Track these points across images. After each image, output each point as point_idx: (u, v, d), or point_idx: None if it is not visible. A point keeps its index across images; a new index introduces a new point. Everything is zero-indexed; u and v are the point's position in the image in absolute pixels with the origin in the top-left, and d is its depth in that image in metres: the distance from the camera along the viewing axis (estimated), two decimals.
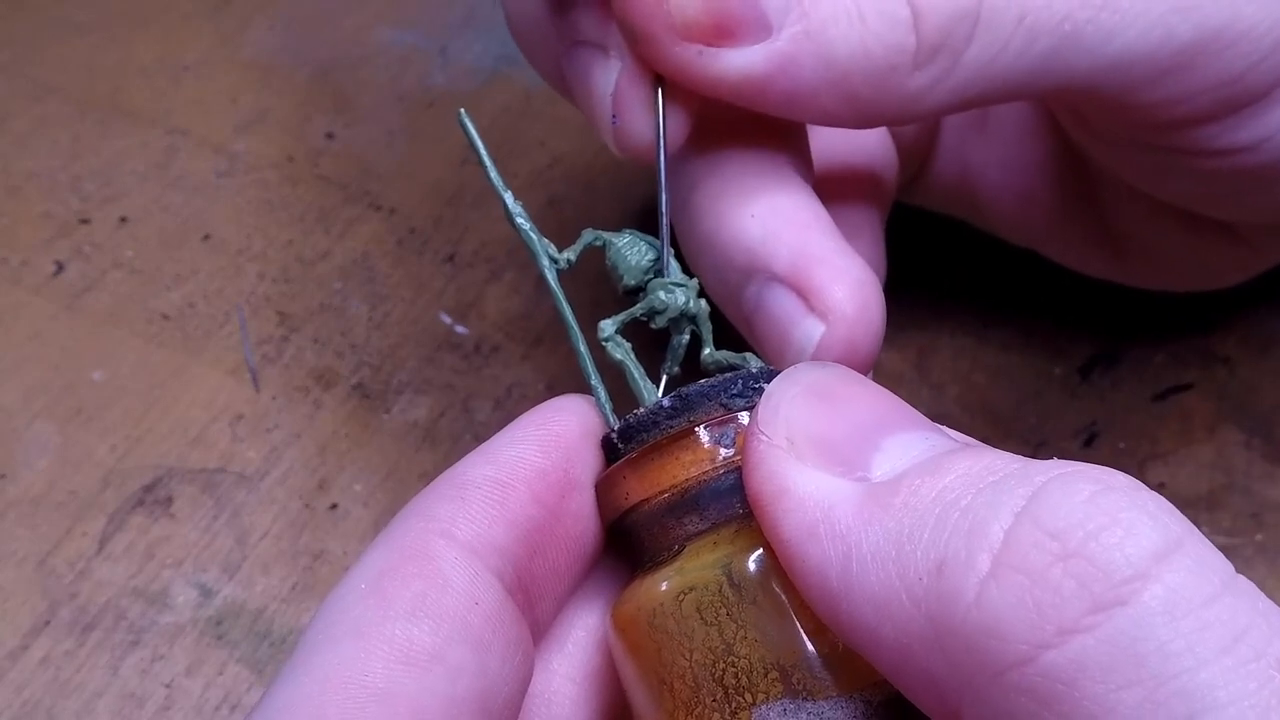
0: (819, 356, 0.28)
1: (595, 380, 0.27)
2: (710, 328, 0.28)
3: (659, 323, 0.28)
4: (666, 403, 0.25)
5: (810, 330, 0.28)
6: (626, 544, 0.27)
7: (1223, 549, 0.39)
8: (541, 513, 0.25)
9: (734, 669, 0.24)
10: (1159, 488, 0.39)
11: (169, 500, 0.39)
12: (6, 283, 0.46)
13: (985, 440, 0.40)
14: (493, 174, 0.28)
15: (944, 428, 0.23)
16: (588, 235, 0.28)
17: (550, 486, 0.25)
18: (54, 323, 0.44)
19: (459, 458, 0.26)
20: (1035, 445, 0.41)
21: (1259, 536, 0.38)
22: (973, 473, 0.19)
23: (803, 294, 0.28)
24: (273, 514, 0.39)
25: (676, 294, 0.27)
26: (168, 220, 0.48)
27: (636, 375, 0.27)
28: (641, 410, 0.25)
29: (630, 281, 0.28)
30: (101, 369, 0.43)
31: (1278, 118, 0.31)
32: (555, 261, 0.27)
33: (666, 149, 0.29)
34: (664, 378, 0.28)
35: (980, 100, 0.29)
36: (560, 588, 0.26)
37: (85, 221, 0.48)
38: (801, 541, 0.21)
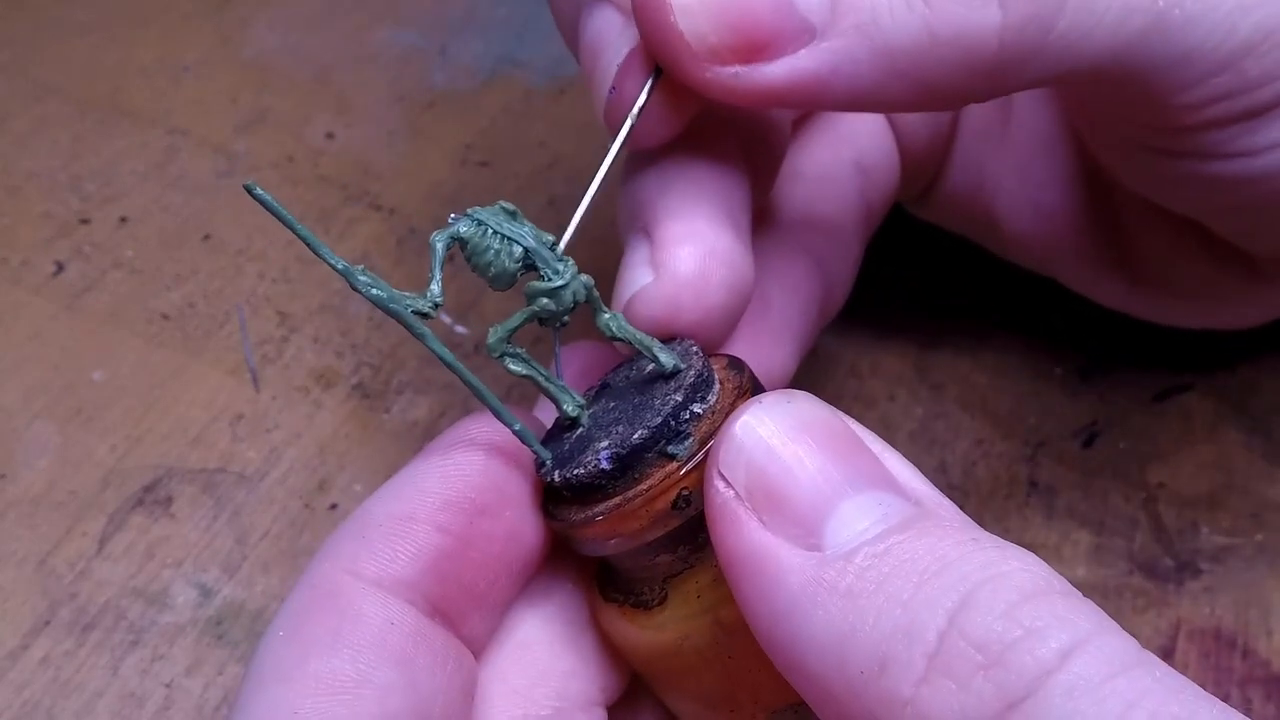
0: (636, 305, 0.27)
1: (518, 425, 0.25)
2: (598, 295, 0.26)
3: (554, 324, 0.26)
4: (606, 465, 0.24)
5: (639, 277, 0.28)
6: (601, 563, 0.27)
7: (1222, 549, 0.39)
8: (449, 540, 0.25)
9: (741, 689, 0.24)
10: (1159, 488, 0.39)
11: (169, 500, 0.39)
12: (6, 283, 0.45)
13: (985, 441, 0.40)
14: (316, 243, 0.24)
15: (899, 469, 0.23)
16: (439, 242, 0.25)
17: (456, 515, 0.25)
18: (54, 323, 0.44)
19: None
20: (1035, 445, 0.41)
21: (1259, 536, 0.38)
22: (916, 563, 0.21)
23: (652, 245, 0.28)
24: (273, 514, 0.39)
25: (563, 296, 0.25)
26: (168, 220, 0.48)
27: (544, 384, 0.26)
28: (582, 471, 0.25)
29: (501, 286, 0.26)
30: (101, 369, 0.43)
31: None
32: (424, 314, 0.25)
33: (640, 138, 0.27)
34: (556, 350, 0.27)
35: (1056, 82, 0.28)
36: (487, 603, 0.26)
37: (85, 221, 0.48)
38: (754, 603, 0.22)
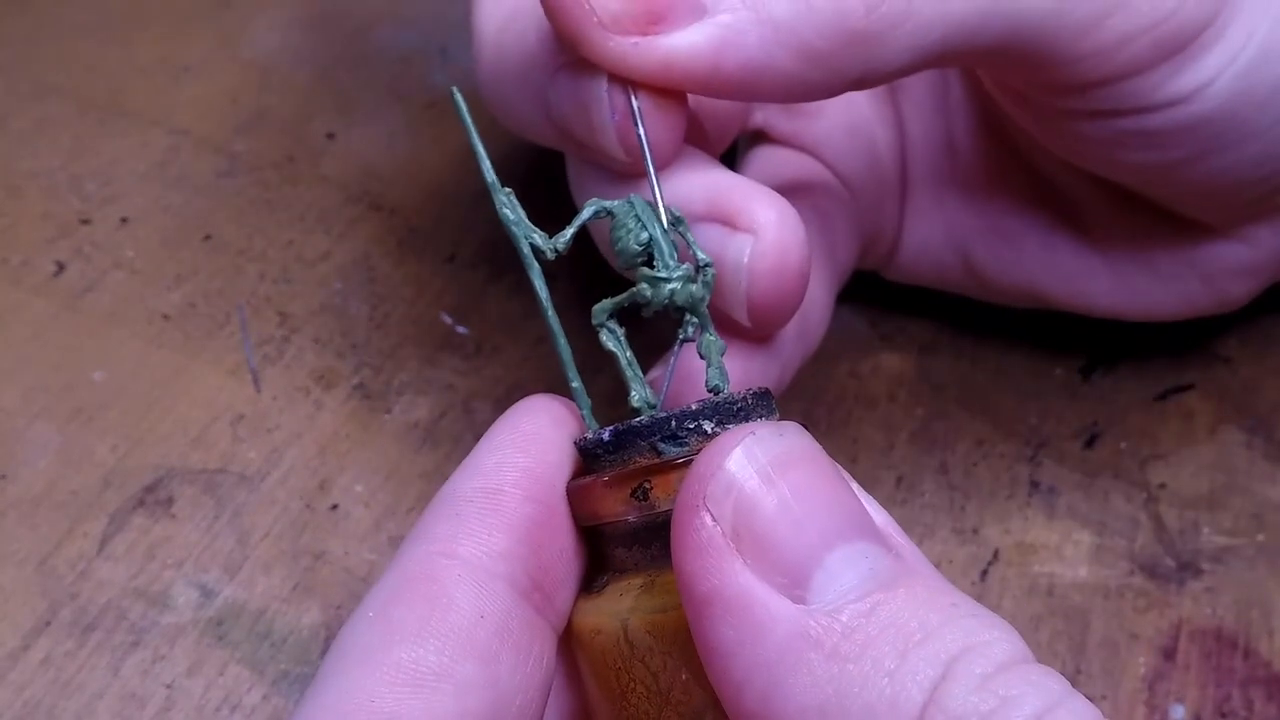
0: (754, 267, 0.29)
1: (577, 383, 0.26)
2: (707, 314, 0.27)
3: (646, 313, 0.27)
4: (606, 436, 0.25)
5: (741, 244, 0.29)
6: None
7: (1223, 549, 0.39)
8: (537, 508, 0.25)
9: (630, 710, 0.24)
10: (1160, 488, 0.39)
11: (170, 501, 0.39)
12: (6, 283, 0.45)
13: (985, 440, 0.40)
14: (481, 154, 0.27)
15: (875, 514, 0.23)
16: (590, 207, 0.27)
17: (538, 481, 0.26)
18: (54, 323, 0.44)
19: (460, 458, 0.26)
20: (1035, 445, 0.41)
21: (1260, 536, 0.38)
22: (901, 628, 0.21)
23: (725, 220, 0.29)
24: (274, 514, 0.39)
25: (661, 289, 0.26)
26: (168, 220, 0.48)
27: (624, 365, 0.27)
28: (589, 435, 0.25)
29: (622, 264, 0.27)
30: (102, 369, 0.43)
31: (1214, 62, 0.31)
32: (541, 251, 0.27)
33: (657, 149, 0.29)
34: (672, 361, 0.28)
35: (942, 54, 0.29)
36: (575, 569, 0.26)
37: (85, 221, 0.48)
38: (726, 653, 0.21)
